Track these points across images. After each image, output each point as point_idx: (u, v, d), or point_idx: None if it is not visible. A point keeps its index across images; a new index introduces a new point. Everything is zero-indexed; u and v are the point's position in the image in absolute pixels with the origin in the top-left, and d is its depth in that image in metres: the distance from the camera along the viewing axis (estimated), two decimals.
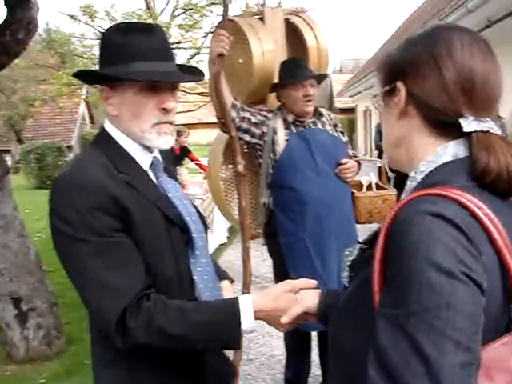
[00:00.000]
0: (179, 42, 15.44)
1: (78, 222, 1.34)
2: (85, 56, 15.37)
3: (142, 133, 1.50)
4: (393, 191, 3.50)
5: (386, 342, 0.80)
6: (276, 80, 3.24)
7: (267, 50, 3.21)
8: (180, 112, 17.86)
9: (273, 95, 3.31)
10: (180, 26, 15.25)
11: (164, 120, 1.50)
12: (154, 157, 1.59)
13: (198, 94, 16.43)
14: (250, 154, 3.38)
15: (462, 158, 0.96)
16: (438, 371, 0.75)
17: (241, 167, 2.85)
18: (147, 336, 1.34)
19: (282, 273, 3.08)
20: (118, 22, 15.19)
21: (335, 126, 3.30)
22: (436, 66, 0.98)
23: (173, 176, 1.68)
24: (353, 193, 3.32)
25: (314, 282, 1.53)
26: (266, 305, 1.44)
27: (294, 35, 3.51)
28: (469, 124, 0.95)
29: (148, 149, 1.56)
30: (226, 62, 2.80)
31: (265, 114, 3.16)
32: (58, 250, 1.42)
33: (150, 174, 1.57)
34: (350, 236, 3.09)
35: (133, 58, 1.44)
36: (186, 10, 15.50)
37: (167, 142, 1.54)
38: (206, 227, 1.68)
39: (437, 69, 0.98)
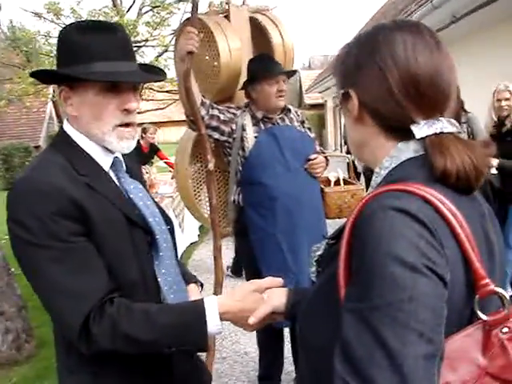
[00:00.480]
0: (147, 40, 15.28)
1: (38, 228, 1.31)
2: (51, 55, 15.09)
3: (103, 135, 1.47)
4: (361, 186, 3.54)
5: (351, 335, 0.81)
6: (243, 78, 3.23)
7: (234, 48, 3.22)
8: (149, 110, 17.72)
9: (240, 92, 3.31)
10: (147, 24, 15.08)
11: (126, 121, 1.48)
12: (116, 157, 1.56)
13: (166, 91, 16.32)
14: (218, 152, 3.37)
15: (422, 154, 0.97)
16: (402, 363, 0.76)
17: (211, 165, 2.85)
18: (111, 342, 1.32)
19: (252, 270, 3.08)
20: (82, 19, 15.05)
21: (302, 122, 3.32)
22: (381, 72, 0.99)
23: (135, 176, 1.65)
24: (322, 188, 3.35)
25: (280, 281, 1.51)
26: (232, 306, 1.43)
27: (259, 33, 3.52)
28: (420, 129, 0.96)
29: (109, 150, 1.53)
30: (193, 60, 2.78)
31: (233, 111, 3.16)
32: (18, 256, 1.38)
33: (112, 174, 1.55)
34: (320, 231, 3.10)
35: (93, 58, 1.41)
36: (154, 7, 15.34)
37: (128, 146, 1.52)
38: (171, 228, 1.66)
39: (382, 76, 0.98)
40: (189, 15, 3.19)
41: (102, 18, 15.02)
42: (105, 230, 1.40)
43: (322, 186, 3.37)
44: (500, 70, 7.70)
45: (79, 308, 1.31)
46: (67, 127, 1.52)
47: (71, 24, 1.50)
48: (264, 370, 3.48)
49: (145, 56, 15.97)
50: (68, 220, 1.34)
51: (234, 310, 1.43)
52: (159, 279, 1.53)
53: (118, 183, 1.54)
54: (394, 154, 1.00)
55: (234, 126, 3.09)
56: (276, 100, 3.10)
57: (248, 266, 3.27)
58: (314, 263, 1.12)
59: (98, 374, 1.45)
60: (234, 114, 3.13)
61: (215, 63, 3.21)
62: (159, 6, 15.07)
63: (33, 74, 1.52)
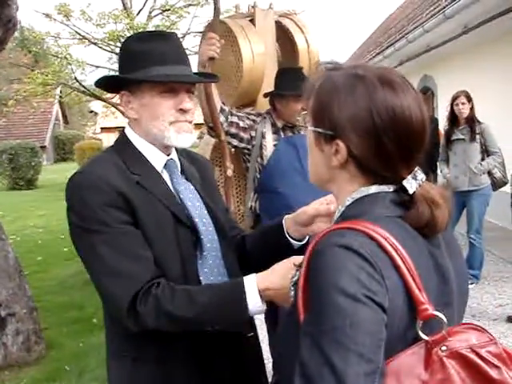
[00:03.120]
0: None
1: (91, 216, 1.45)
2: (60, 55, 15.14)
3: (162, 131, 1.57)
4: None
5: (306, 356, 0.91)
6: (266, 83, 3.23)
7: (257, 53, 3.22)
8: None
9: (263, 98, 3.31)
10: (157, 27, 15.12)
11: (182, 119, 1.58)
12: (170, 159, 1.65)
13: None
14: (237, 157, 3.37)
15: (380, 192, 1.06)
16: (344, 380, 0.86)
17: (230, 172, 2.85)
18: (156, 320, 1.40)
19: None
20: (94, 21, 15.06)
21: None
22: (378, 137, 1.03)
23: (190, 178, 1.71)
24: None
25: None
26: (273, 282, 1.44)
27: (284, 38, 3.52)
28: (411, 186, 1.06)
29: (165, 151, 1.63)
30: (215, 64, 2.79)
31: (253, 117, 3.16)
32: (75, 242, 1.51)
33: (165, 175, 1.63)
34: None
35: (151, 63, 1.54)
36: (164, 10, 15.40)
37: (187, 140, 1.61)
38: (220, 231, 1.68)
39: (377, 135, 1.03)
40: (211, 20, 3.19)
41: (111, 21, 15.08)
42: (150, 224, 1.49)
43: None
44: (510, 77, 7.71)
45: (128, 288, 1.41)
46: (127, 130, 1.65)
47: (132, 35, 1.68)
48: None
49: None
50: (117, 210, 1.46)
51: (275, 286, 1.43)
52: (201, 278, 1.57)
53: (170, 184, 1.62)
54: (354, 195, 1.09)
55: (253, 133, 3.09)
56: (298, 117, 3.14)
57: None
58: (292, 288, 1.21)
59: (136, 359, 1.53)
60: (253, 120, 3.13)
61: (238, 68, 3.21)
62: (169, 10, 15.12)
63: (97, 83, 1.68)
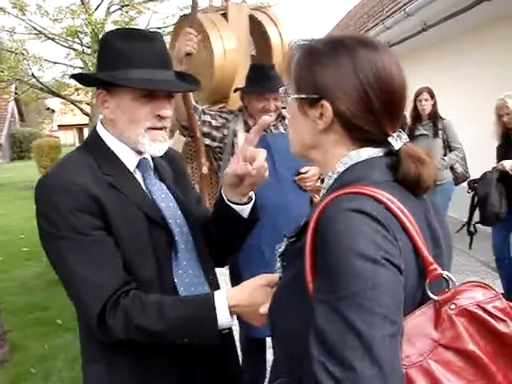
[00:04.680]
0: None
1: (61, 222, 1.40)
2: (15, 51, 14.77)
3: (136, 136, 1.52)
4: None
5: (324, 323, 0.90)
6: (240, 80, 3.17)
7: (229, 49, 3.16)
8: None
9: (235, 95, 3.24)
10: (116, 23, 14.90)
11: (158, 126, 1.53)
12: (143, 158, 1.61)
13: None
14: (208, 155, 3.33)
15: (373, 157, 1.09)
16: (371, 343, 0.86)
17: (205, 169, 2.81)
18: (125, 333, 1.39)
19: (238, 280, 3.02)
20: (51, 16, 14.73)
21: None
22: (362, 88, 1.06)
23: (163, 177, 1.68)
24: (312, 199, 3.25)
25: None
26: (242, 299, 1.44)
27: (258, 32, 3.44)
28: (396, 142, 1.08)
29: (139, 151, 1.58)
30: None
31: (225, 115, 3.11)
32: (45, 247, 1.48)
33: (137, 175, 1.59)
34: None
35: (131, 65, 1.48)
36: (122, 6, 15.20)
37: (160, 149, 1.56)
38: (195, 231, 1.65)
39: (364, 92, 1.06)
40: (185, 13, 3.14)
41: (68, 16, 14.81)
42: (123, 227, 1.46)
43: (313, 196, 3.26)
44: (469, 73, 7.89)
45: (96, 298, 1.38)
46: (100, 129, 1.59)
47: (113, 30, 1.60)
48: (247, 375, 3.44)
49: None
50: (88, 215, 1.41)
51: (243, 303, 1.44)
52: (175, 279, 1.55)
53: (143, 184, 1.59)
54: (346, 160, 1.10)
55: (225, 132, 3.04)
56: (261, 115, 3.03)
57: (234, 276, 3.14)
58: (278, 259, 1.22)
59: (110, 363, 1.51)
60: (226, 118, 3.08)
61: (209, 64, 3.15)
62: (128, 5, 14.93)
63: (73, 76, 1.61)
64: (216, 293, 1.45)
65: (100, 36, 15.07)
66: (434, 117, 5.63)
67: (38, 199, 1.46)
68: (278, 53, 3.42)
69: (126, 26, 14.62)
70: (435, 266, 1.00)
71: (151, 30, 14.64)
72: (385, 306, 0.89)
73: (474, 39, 7.85)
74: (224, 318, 1.42)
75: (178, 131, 3.21)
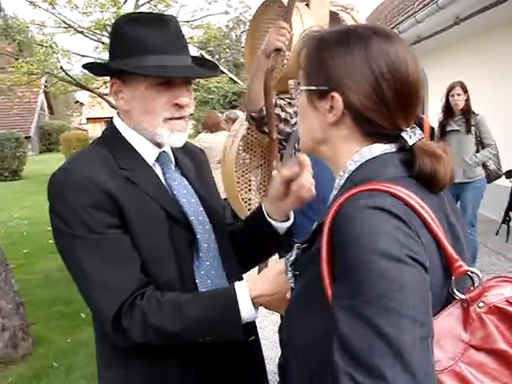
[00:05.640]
0: None
1: (74, 220, 1.33)
2: (45, 44, 14.87)
3: (154, 128, 1.44)
4: None
5: (348, 330, 0.84)
6: None
7: None
8: None
9: None
10: None
11: (177, 115, 1.45)
12: (163, 151, 1.53)
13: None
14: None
15: (385, 153, 1.03)
16: (401, 348, 0.80)
17: (276, 172, 2.61)
18: (143, 335, 1.32)
19: None
20: (80, 9, 14.80)
21: None
22: (375, 81, 1.01)
23: (185, 172, 1.59)
24: None
25: None
26: (265, 289, 1.37)
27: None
28: (410, 137, 1.03)
29: (158, 144, 1.50)
30: (260, 40, 2.57)
31: (295, 102, 2.92)
32: (57, 246, 1.41)
33: (157, 169, 1.51)
34: None
35: (145, 52, 1.40)
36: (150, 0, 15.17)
37: (180, 139, 1.48)
38: (218, 229, 1.57)
39: (377, 84, 1.01)
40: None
41: (97, 9, 14.86)
42: (141, 225, 1.39)
43: None
44: (501, 68, 7.68)
45: (111, 301, 1.32)
46: (116, 121, 1.52)
47: (124, 16, 1.51)
48: None
49: None
50: (104, 213, 1.34)
51: (268, 292, 1.37)
52: (197, 281, 1.47)
53: (162, 178, 1.51)
54: (358, 158, 1.05)
55: (294, 121, 2.86)
56: None
57: None
58: (290, 269, 1.16)
59: (129, 368, 1.44)
60: (295, 105, 2.90)
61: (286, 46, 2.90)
62: None
63: (84, 66, 1.54)
64: (237, 284, 1.38)
65: None
66: (467, 112, 5.47)
67: (50, 195, 1.39)
68: None
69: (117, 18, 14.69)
70: (461, 262, 0.95)
71: (179, 22, 14.76)
72: (413, 308, 0.84)
73: (505, 33, 7.63)
74: (247, 311, 1.34)
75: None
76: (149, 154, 1.49)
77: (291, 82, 2.94)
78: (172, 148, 1.57)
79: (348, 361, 0.83)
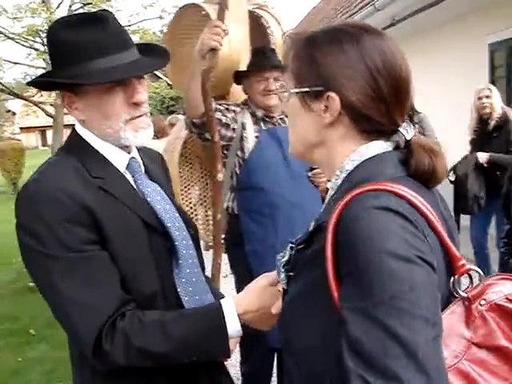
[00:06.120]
0: None
1: (48, 236, 1.23)
2: None
3: (117, 132, 1.38)
4: None
5: (359, 333, 0.83)
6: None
7: (235, 40, 2.88)
8: None
9: (237, 88, 3.03)
10: None
11: (137, 114, 1.39)
12: (132, 157, 1.47)
13: None
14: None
15: (383, 152, 1.02)
16: (415, 349, 0.80)
17: (221, 175, 2.52)
18: (126, 358, 1.24)
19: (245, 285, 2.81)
20: (10, 14, 14.30)
21: None
22: (371, 77, 1.00)
23: (155, 178, 1.54)
24: (323, 198, 2.98)
25: None
26: (250, 305, 1.34)
27: (257, 29, 3.21)
28: (407, 132, 1.03)
29: (125, 148, 1.44)
30: (185, 48, 2.46)
31: (233, 108, 2.86)
32: (28, 266, 1.31)
33: (128, 176, 1.45)
34: None
35: (88, 57, 1.31)
36: (85, 4, 14.86)
37: (146, 136, 1.42)
38: (194, 234, 1.53)
39: (373, 81, 1.00)
40: (189, 2, 2.88)
41: (28, 14, 14.42)
42: (120, 237, 1.31)
43: (323, 196, 3.01)
44: (437, 70, 7.93)
45: (91, 324, 1.23)
46: (79, 129, 1.43)
47: (57, 21, 1.39)
48: None
49: None
50: (79, 227, 1.25)
51: (253, 308, 1.34)
52: (178, 289, 1.42)
53: (134, 185, 1.44)
54: (355, 157, 1.03)
55: (234, 126, 2.80)
56: (262, 99, 2.83)
57: (242, 281, 2.78)
58: (283, 270, 1.13)
59: None
60: (234, 111, 2.84)
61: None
62: (90, 4, 14.59)
63: (29, 84, 1.46)
64: (223, 302, 1.34)
65: None
66: (410, 109, 5.58)
67: (19, 211, 1.29)
68: (280, 50, 3.14)
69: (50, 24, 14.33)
70: (464, 261, 0.95)
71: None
72: (425, 308, 0.83)
73: (441, 34, 7.88)
74: (234, 328, 1.30)
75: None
76: (119, 160, 1.43)
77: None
78: (139, 153, 1.52)
79: (359, 363, 0.82)
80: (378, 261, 0.84)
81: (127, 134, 1.38)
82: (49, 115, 15.80)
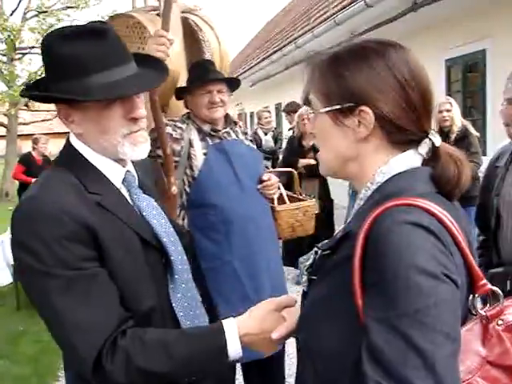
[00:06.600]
0: (33, 47, 14.46)
1: (45, 254, 1.21)
2: None
3: (114, 147, 1.36)
4: (312, 202, 3.32)
5: (381, 342, 0.86)
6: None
7: (174, 52, 2.76)
8: (34, 122, 16.77)
9: (175, 104, 2.97)
10: (33, 30, 14.25)
11: (135, 129, 1.37)
12: (127, 171, 1.45)
13: None
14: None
15: (415, 167, 1.06)
16: (434, 362, 0.83)
17: (174, 189, 2.51)
18: (126, 377, 1.23)
19: (205, 303, 2.80)
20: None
21: (245, 133, 3.04)
22: (401, 88, 1.03)
23: (149, 191, 1.52)
24: (272, 208, 3.05)
25: (294, 298, 1.43)
26: (252, 327, 1.33)
27: (190, 36, 3.11)
28: (437, 139, 1.07)
29: (121, 162, 1.43)
30: None
31: (180, 125, 2.81)
32: (25, 285, 1.29)
33: (123, 191, 1.43)
34: (277, 254, 2.92)
35: (87, 71, 1.29)
36: (40, 12, 14.57)
37: (144, 150, 1.41)
38: (188, 249, 1.53)
39: (403, 91, 1.03)
40: (117, 13, 2.79)
41: None
42: (118, 253, 1.30)
43: (272, 205, 3.06)
44: None
45: (91, 343, 1.21)
46: (74, 141, 1.40)
47: (53, 32, 1.35)
48: None
49: (32, 63, 15.13)
50: (78, 244, 1.24)
51: (255, 331, 1.33)
52: (174, 305, 1.42)
53: (130, 200, 1.43)
54: (386, 170, 1.06)
55: (182, 143, 2.77)
56: (208, 112, 2.79)
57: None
58: (305, 273, 1.16)
59: None
60: (181, 128, 2.80)
61: None
62: (45, 12, 14.33)
63: (24, 95, 1.42)
64: (225, 323, 1.33)
65: (17, 42, 14.40)
66: None
67: (16, 228, 1.26)
68: (216, 57, 3.11)
69: (45, 34, 14.05)
70: (485, 281, 0.98)
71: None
72: (447, 324, 0.86)
73: None
74: (234, 351, 1.30)
75: None
76: (115, 175, 1.41)
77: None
78: (134, 166, 1.51)
79: (378, 371, 0.85)
80: (406, 275, 0.87)
81: (125, 148, 1.36)
82: (1, 125, 15.41)
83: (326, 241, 1.14)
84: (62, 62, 1.29)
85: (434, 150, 1.06)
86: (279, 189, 3.16)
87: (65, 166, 1.37)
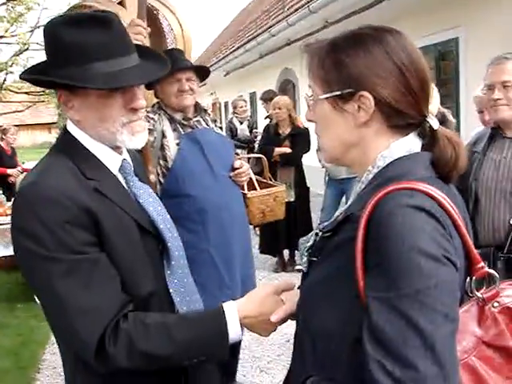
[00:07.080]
0: (2, 37, 14.17)
1: (48, 238, 1.21)
2: None
3: (113, 135, 1.37)
4: (282, 187, 3.34)
5: (382, 321, 0.89)
6: None
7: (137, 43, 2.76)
8: (6, 113, 16.49)
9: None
10: (1, 19, 13.97)
11: (134, 119, 1.38)
12: (124, 159, 1.46)
13: (26, 93, 15.23)
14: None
15: (415, 152, 1.08)
16: (434, 341, 0.86)
17: (153, 177, 2.49)
18: (129, 360, 1.24)
19: None
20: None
21: (215, 121, 3.07)
22: (400, 73, 1.05)
23: (143, 180, 1.54)
24: (244, 194, 3.09)
25: (293, 282, 1.46)
26: (252, 310, 1.35)
27: (153, 22, 3.03)
28: (434, 123, 1.08)
29: (117, 150, 1.43)
30: None
31: (151, 115, 2.82)
32: (25, 271, 1.29)
33: (120, 178, 1.44)
34: (248, 240, 2.97)
35: (91, 58, 1.29)
36: (8, 0, 14.26)
37: (141, 140, 1.42)
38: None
39: (402, 76, 1.05)
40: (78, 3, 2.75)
41: None
42: (118, 239, 1.31)
43: (243, 192, 3.11)
44: None
45: (93, 327, 1.22)
46: (72, 128, 1.40)
47: (58, 18, 1.35)
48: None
49: (2, 53, 14.85)
50: (80, 229, 1.24)
51: (254, 313, 1.35)
52: (171, 290, 1.45)
53: (126, 187, 1.44)
54: (387, 154, 1.08)
55: (155, 134, 2.78)
56: (178, 100, 2.82)
57: None
58: (306, 254, 1.18)
59: None
60: (152, 119, 2.81)
61: None
62: (15, 0, 14.04)
63: (24, 78, 1.41)
64: (226, 306, 1.34)
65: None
66: None
67: (17, 214, 1.26)
68: (180, 43, 3.08)
69: (15, 23, 13.79)
70: (482, 264, 1.02)
71: (42, 26, 14.00)
72: (446, 305, 0.89)
73: None
74: (235, 332, 1.31)
75: None
76: (112, 162, 1.42)
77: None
78: (129, 154, 1.52)
79: (379, 350, 0.88)
80: (408, 256, 0.89)
81: (124, 136, 1.37)
82: None
83: (327, 223, 1.16)
84: (64, 47, 1.29)
85: (432, 133, 1.09)
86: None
87: (62, 153, 1.37)
